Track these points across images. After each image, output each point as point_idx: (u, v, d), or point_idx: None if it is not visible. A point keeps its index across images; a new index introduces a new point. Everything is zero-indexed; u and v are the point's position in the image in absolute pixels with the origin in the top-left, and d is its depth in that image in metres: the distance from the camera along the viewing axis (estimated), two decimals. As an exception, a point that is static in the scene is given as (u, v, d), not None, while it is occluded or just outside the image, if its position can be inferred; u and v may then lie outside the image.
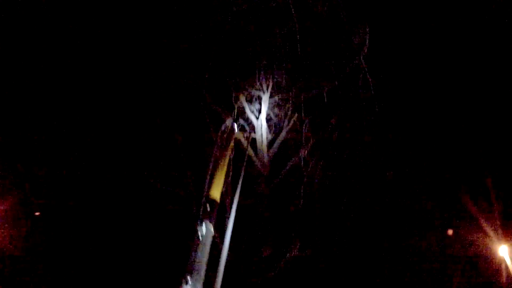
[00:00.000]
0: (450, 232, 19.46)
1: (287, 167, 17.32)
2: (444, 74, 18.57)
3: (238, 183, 8.42)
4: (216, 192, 7.79)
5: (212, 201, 7.54)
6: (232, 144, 14.77)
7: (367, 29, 15.01)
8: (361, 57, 15.27)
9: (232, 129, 9.56)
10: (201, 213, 7.21)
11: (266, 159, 17.08)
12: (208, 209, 7.33)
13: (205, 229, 6.94)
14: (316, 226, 17.12)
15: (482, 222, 18.33)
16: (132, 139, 17.45)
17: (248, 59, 17.34)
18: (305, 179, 16.59)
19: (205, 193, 7.72)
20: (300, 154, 17.35)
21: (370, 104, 16.32)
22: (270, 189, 16.76)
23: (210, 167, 8.40)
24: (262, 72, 17.67)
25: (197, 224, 6.96)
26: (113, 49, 16.77)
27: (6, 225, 17.31)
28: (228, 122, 9.71)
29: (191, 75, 17.05)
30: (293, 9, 15.42)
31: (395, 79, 17.77)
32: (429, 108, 18.84)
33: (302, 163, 16.89)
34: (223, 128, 9.52)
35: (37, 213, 18.65)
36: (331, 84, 16.68)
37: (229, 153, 11.39)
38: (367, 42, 14.87)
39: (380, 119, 16.41)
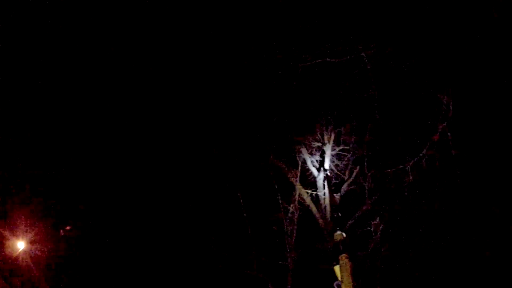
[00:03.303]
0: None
1: (350, 222, 16.85)
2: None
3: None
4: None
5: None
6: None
7: (452, 96, 14.48)
8: (444, 125, 14.73)
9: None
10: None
11: (328, 215, 16.61)
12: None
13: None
14: (382, 282, 16.69)
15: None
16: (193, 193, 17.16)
17: (311, 110, 16.98)
18: (373, 242, 16.03)
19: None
20: (364, 208, 16.94)
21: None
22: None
23: None
24: (324, 123, 17.31)
25: None
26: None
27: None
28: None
29: (254, 130, 16.76)
30: (369, 65, 15.01)
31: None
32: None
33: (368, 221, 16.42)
34: None
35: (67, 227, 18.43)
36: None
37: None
38: (451, 109, 14.30)
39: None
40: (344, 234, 11.49)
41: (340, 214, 12.48)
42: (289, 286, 15.55)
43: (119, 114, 17.14)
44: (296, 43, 16.14)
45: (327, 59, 16.23)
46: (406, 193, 16.73)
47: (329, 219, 16.36)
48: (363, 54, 15.89)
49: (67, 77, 17.00)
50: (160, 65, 16.64)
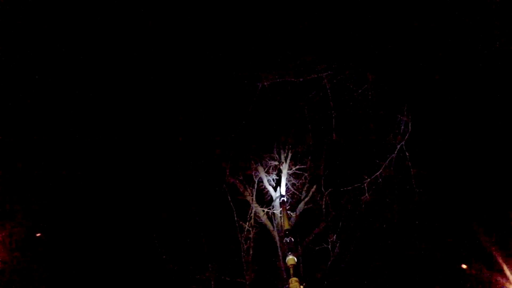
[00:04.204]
0: (464, 266, 18.94)
1: (306, 241, 16.85)
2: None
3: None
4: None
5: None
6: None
7: (409, 116, 14.79)
8: (402, 144, 14.98)
9: None
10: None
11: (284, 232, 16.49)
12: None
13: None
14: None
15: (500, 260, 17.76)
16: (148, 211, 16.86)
17: (268, 129, 17.00)
18: (331, 257, 16.01)
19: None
20: (320, 227, 16.97)
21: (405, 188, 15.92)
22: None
23: None
24: (281, 142, 17.35)
25: None
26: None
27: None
28: None
29: (210, 147, 16.67)
30: (328, 85, 15.19)
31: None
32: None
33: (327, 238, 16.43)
34: None
35: (38, 234, 17.81)
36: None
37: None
38: (409, 128, 14.58)
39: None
40: (295, 259, 11.39)
41: (292, 239, 12.36)
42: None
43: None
44: (256, 61, 16.28)
45: (286, 79, 16.42)
46: (363, 211, 16.85)
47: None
48: (322, 75, 16.16)
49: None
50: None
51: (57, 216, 17.77)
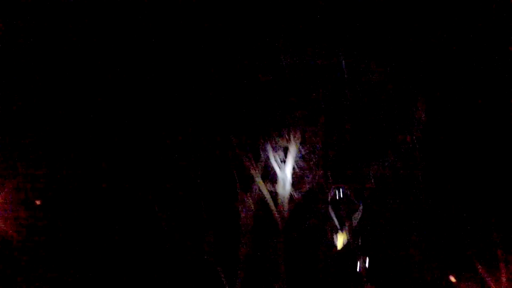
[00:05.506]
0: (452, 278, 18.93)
1: (307, 223, 16.96)
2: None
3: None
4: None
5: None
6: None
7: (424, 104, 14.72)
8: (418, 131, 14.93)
9: None
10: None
11: (285, 213, 16.59)
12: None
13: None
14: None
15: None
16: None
17: (281, 108, 16.90)
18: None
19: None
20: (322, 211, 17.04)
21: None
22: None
23: None
24: (292, 122, 17.24)
25: None
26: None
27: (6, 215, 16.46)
28: None
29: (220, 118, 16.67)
30: (345, 71, 15.15)
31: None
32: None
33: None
34: None
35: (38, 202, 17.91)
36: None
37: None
38: (423, 117, 14.53)
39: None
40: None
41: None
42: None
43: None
44: (279, 41, 16.30)
45: (307, 61, 16.39)
46: (368, 201, 16.91)
47: (286, 216, 16.42)
48: (341, 60, 16.16)
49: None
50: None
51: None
